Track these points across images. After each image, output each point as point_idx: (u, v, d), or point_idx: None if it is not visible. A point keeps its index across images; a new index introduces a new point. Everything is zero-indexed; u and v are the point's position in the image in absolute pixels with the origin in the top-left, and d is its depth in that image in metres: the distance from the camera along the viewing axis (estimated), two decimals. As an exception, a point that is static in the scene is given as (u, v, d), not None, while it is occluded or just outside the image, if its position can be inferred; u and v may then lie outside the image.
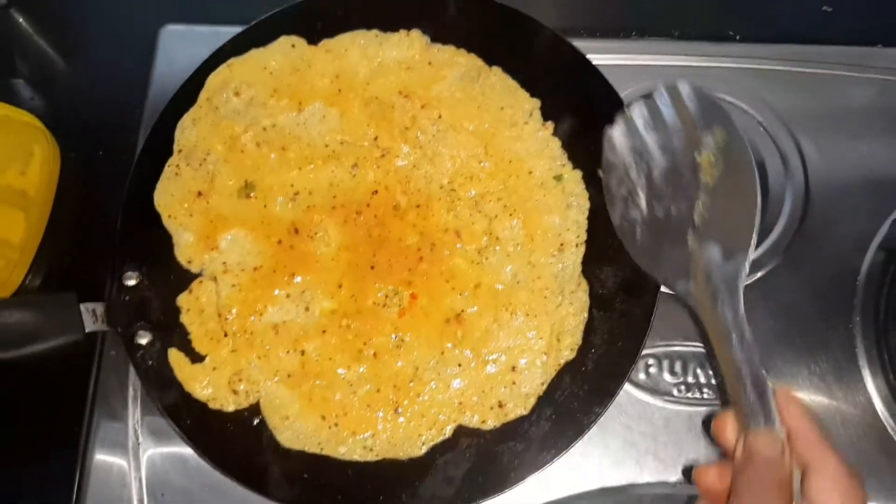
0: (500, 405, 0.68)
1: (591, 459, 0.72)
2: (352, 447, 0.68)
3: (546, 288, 0.70)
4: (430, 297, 0.70)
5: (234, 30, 0.82)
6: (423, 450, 0.68)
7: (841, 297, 0.78)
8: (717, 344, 0.58)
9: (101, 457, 0.74)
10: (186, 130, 0.77)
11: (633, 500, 0.72)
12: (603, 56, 0.87)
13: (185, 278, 0.73)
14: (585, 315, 0.70)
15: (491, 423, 0.68)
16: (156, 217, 0.74)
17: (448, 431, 0.68)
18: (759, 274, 0.79)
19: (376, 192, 0.73)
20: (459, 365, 0.69)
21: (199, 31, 0.91)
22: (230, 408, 0.69)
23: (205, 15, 0.93)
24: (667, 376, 0.76)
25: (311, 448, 0.68)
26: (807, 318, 0.77)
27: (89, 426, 0.75)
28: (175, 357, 0.71)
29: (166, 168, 0.75)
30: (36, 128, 0.84)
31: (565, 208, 0.72)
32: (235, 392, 0.69)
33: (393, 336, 0.70)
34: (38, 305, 0.69)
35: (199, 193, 0.74)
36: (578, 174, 0.73)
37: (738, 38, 0.92)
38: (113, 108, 0.87)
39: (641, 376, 0.76)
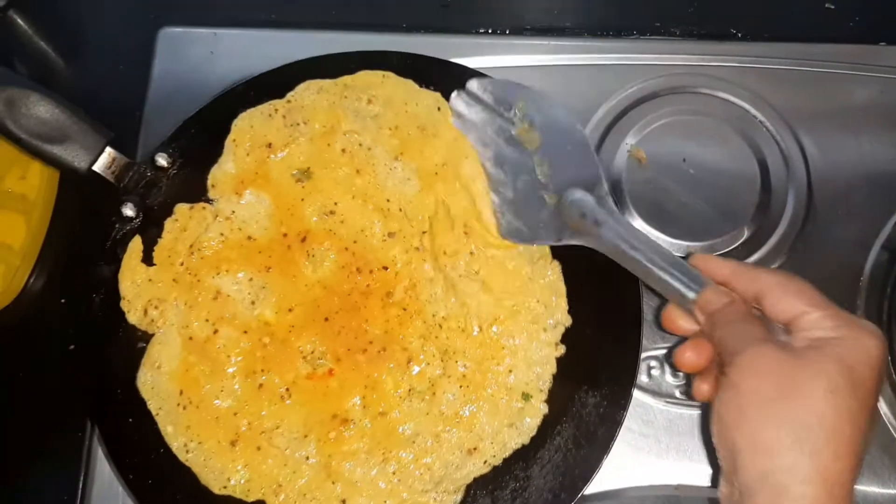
0: None
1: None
2: (177, 436, 0.67)
3: (430, 469, 0.66)
4: (341, 385, 0.68)
5: (231, 32, 0.81)
6: (221, 491, 0.66)
7: (844, 297, 0.78)
8: (624, 261, 0.63)
9: (105, 465, 0.75)
10: (308, 91, 0.77)
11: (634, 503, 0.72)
12: (603, 56, 0.88)
13: (198, 194, 0.74)
14: None
15: None
16: (223, 131, 0.75)
17: (251, 497, 0.66)
18: (762, 275, 0.79)
19: (386, 268, 0.71)
20: (308, 458, 0.66)
21: (197, 33, 0.92)
22: (132, 319, 0.70)
23: (203, 18, 0.93)
24: (669, 378, 0.76)
25: (152, 406, 0.68)
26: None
27: (90, 443, 0.76)
28: (135, 245, 0.72)
29: (266, 105, 0.77)
30: (36, 131, 0.84)
31: (506, 425, 0.67)
32: (146, 312, 0.70)
33: (285, 388, 0.68)
34: (76, 119, 0.71)
35: (270, 145, 0.75)
36: (545, 410, 0.68)
37: (740, 35, 0.91)
38: (112, 111, 0.85)
39: (644, 378, 0.75)
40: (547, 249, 0.72)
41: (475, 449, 0.67)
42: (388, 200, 0.74)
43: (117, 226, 0.73)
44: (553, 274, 0.71)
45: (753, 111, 0.86)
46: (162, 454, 0.67)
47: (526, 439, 0.67)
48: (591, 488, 0.68)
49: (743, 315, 0.56)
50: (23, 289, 0.81)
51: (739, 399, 0.51)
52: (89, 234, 0.75)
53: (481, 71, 0.78)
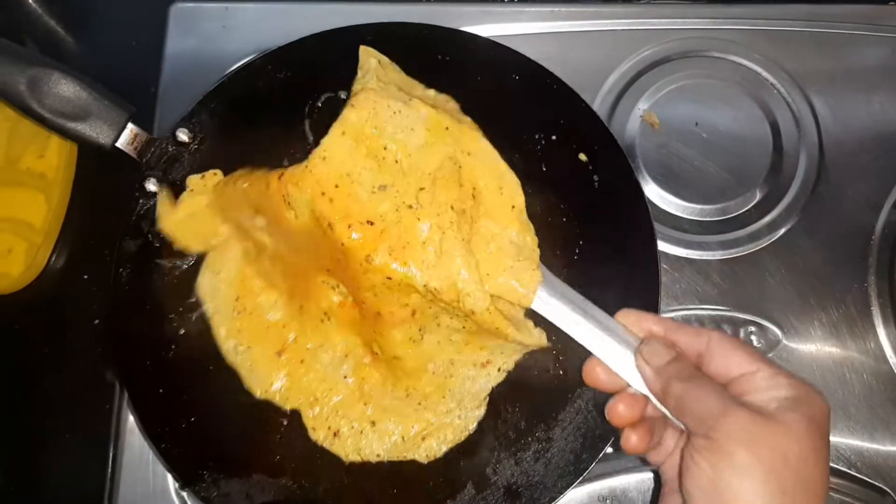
0: (336, 434, 0.68)
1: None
2: (229, 338, 0.70)
3: (449, 390, 0.68)
4: (363, 319, 0.68)
5: (242, 6, 0.81)
6: (263, 395, 0.69)
7: (856, 256, 0.80)
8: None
9: (133, 446, 0.77)
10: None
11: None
12: (614, 21, 0.88)
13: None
14: (462, 438, 0.68)
15: (316, 436, 0.69)
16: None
17: (288, 405, 0.69)
18: (775, 235, 0.80)
19: (372, 223, 0.62)
20: (345, 377, 0.69)
21: (209, 8, 0.92)
22: (195, 249, 0.72)
23: (215, -8, 0.92)
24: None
25: (208, 309, 0.71)
26: (822, 278, 0.79)
27: (119, 415, 0.78)
28: (163, 194, 0.73)
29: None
30: (52, 109, 0.84)
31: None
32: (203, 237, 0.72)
33: (323, 312, 0.69)
34: (98, 96, 0.71)
35: None
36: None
37: (748, -3, 0.91)
38: (126, 87, 0.85)
39: (656, 338, 0.77)
40: (536, 256, 0.66)
41: (488, 362, 0.69)
42: (384, 148, 0.64)
43: (141, 201, 0.73)
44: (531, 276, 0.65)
45: (765, 74, 0.86)
46: (192, 423, 0.69)
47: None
48: (611, 446, 0.69)
49: (695, 371, 0.54)
50: (46, 266, 0.83)
51: (737, 469, 0.48)
52: (111, 210, 0.76)
53: (493, 39, 0.78)
